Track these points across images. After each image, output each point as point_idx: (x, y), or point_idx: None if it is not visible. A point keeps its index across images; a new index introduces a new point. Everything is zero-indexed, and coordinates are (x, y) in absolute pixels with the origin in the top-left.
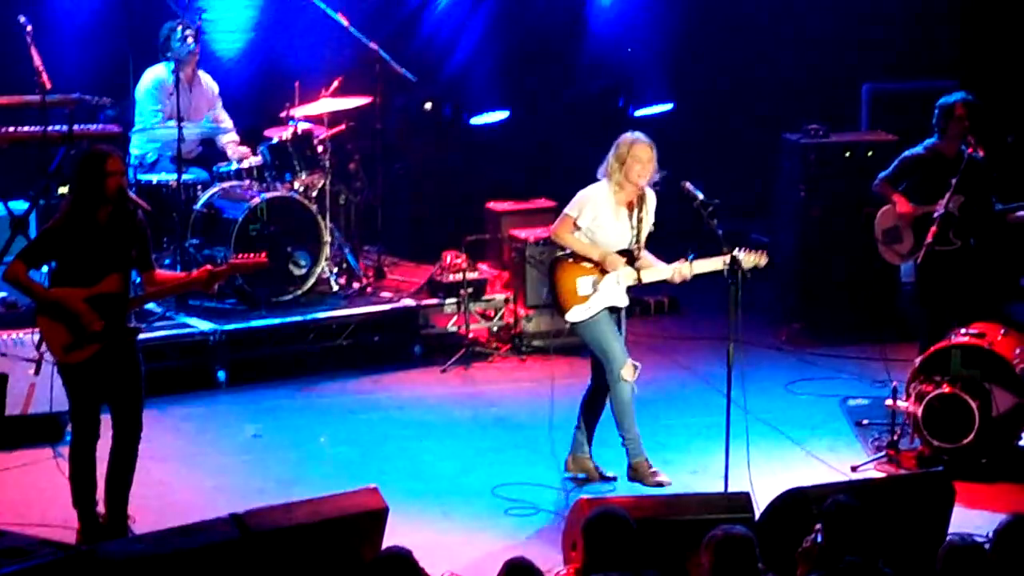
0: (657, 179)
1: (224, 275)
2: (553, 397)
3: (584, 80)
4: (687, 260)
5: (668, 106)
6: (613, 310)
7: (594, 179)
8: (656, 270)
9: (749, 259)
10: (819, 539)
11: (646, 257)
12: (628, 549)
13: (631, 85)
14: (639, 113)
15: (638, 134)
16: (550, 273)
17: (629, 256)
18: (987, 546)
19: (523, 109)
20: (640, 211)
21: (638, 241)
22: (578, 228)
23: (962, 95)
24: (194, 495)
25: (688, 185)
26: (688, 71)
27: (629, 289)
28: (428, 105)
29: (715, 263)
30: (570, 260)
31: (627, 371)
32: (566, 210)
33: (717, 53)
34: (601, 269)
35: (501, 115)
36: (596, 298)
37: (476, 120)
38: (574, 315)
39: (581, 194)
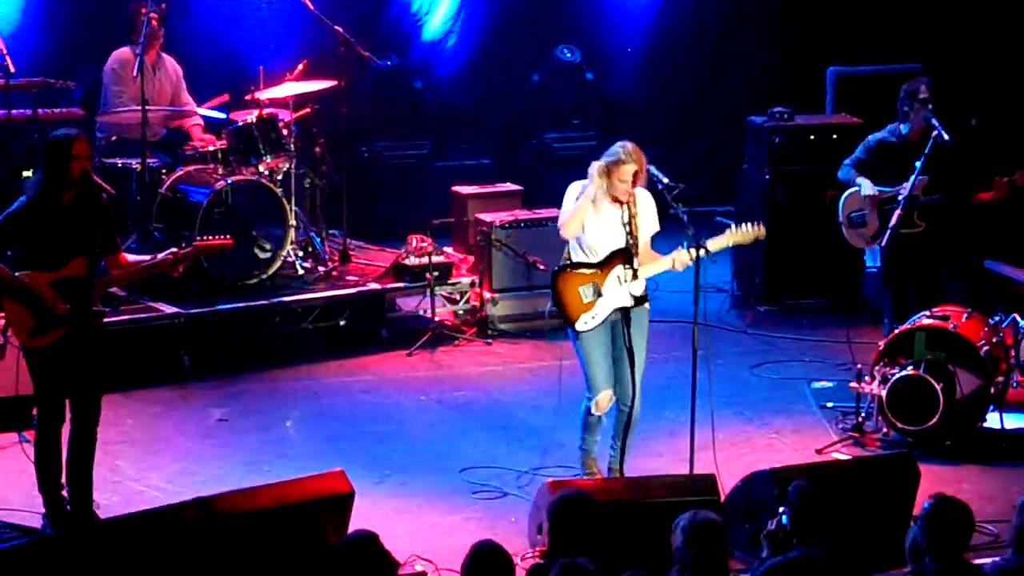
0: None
1: (189, 258)
2: (523, 380)
3: (550, 61)
4: (683, 247)
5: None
6: (622, 311)
7: (563, 163)
8: (656, 263)
9: (748, 234)
10: (784, 521)
11: (645, 253)
12: (593, 532)
13: (599, 67)
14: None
15: (626, 147)
16: (552, 286)
17: (626, 254)
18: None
19: (490, 90)
20: (632, 209)
21: (634, 239)
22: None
23: (926, 78)
24: (159, 479)
25: (652, 169)
26: (654, 54)
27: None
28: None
29: (722, 240)
30: (568, 270)
31: (598, 404)
32: (560, 211)
33: (683, 36)
34: (602, 273)
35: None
36: (602, 302)
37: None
38: (583, 324)
39: (568, 192)
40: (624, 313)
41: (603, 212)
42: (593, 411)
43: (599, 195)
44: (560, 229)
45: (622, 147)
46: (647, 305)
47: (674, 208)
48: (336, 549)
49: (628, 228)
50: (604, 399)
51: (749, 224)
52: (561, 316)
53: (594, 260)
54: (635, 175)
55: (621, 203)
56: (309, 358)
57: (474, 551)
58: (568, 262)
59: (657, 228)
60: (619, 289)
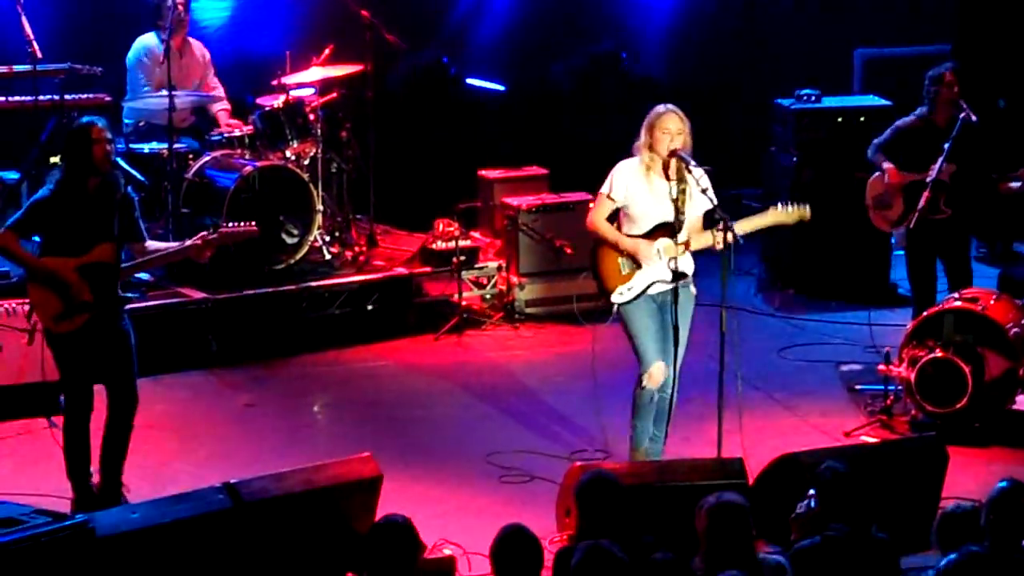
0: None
1: (215, 244)
2: (550, 365)
3: (582, 44)
4: (727, 226)
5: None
6: (672, 293)
7: (592, 146)
8: (697, 239)
9: (791, 214)
10: (812, 505)
11: (694, 230)
12: (620, 513)
13: (632, 48)
14: (637, 76)
15: (669, 106)
16: (592, 256)
17: (671, 229)
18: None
19: (520, 73)
20: (682, 184)
21: (680, 214)
22: (615, 204)
23: (952, 63)
24: (187, 464)
25: (680, 151)
26: (680, 35)
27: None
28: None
29: (757, 221)
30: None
31: (651, 376)
32: (600, 189)
33: (710, 18)
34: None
35: (498, 87)
36: (640, 275)
37: (474, 82)
38: (619, 296)
39: (612, 170)
40: (673, 295)
41: (654, 185)
42: (645, 383)
43: (650, 166)
44: (589, 218)
45: (661, 104)
46: (692, 290)
47: (702, 190)
48: (369, 533)
49: (676, 203)
50: (658, 371)
51: (793, 205)
52: (598, 287)
53: (637, 232)
54: (683, 136)
55: (672, 177)
56: (336, 343)
57: (502, 534)
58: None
59: (714, 203)
60: (658, 263)
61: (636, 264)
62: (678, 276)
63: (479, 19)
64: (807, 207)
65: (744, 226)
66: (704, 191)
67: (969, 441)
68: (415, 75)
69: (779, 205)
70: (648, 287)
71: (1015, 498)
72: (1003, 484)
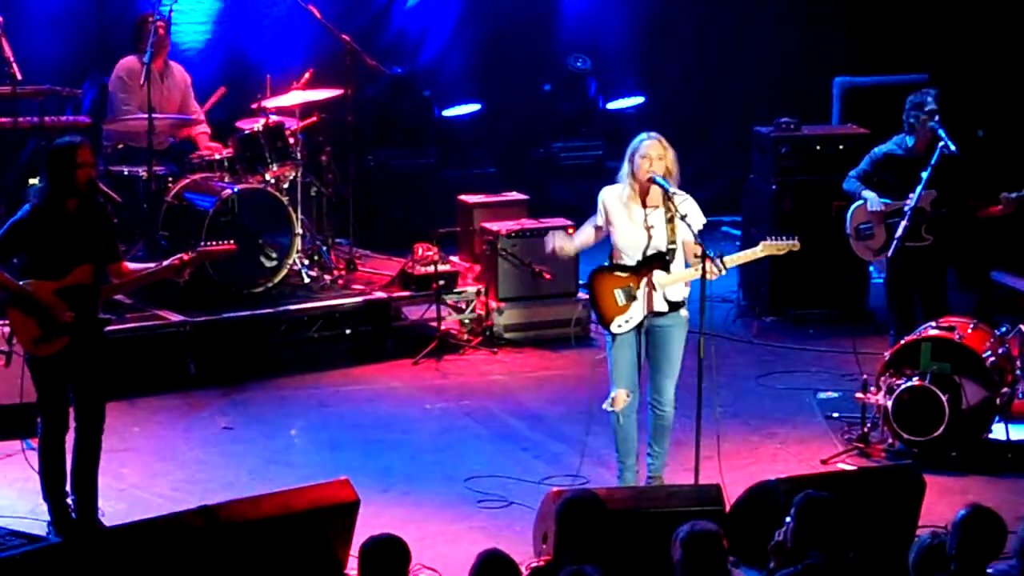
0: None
1: (193, 263)
2: (528, 389)
3: (556, 71)
4: (719, 256)
5: (639, 99)
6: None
7: (568, 172)
8: (688, 271)
9: (782, 247)
10: (790, 532)
11: (690, 254)
12: (601, 534)
13: (603, 77)
14: (611, 106)
15: (651, 133)
16: (589, 286)
17: (662, 259)
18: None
19: (495, 100)
20: (670, 212)
21: (672, 243)
22: (597, 224)
23: (932, 90)
24: (164, 487)
25: (656, 178)
26: (659, 64)
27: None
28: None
29: (749, 254)
30: (605, 271)
31: (614, 400)
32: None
33: (689, 46)
34: (637, 277)
35: (473, 107)
36: (636, 306)
37: (449, 112)
38: (618, 327)
39: (599, 196)
40: (662, 318)
41: (633, 213)
42: (605, 407)
43: (632, 195)
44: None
45: (644, 133)
46: (684, 313)
47: (680, 218)
48: (364, 550)
49: (666, 232)
50: (619, 397)
51: (784, 238)
52: (598, 318)
53: (628, 263)
54: (664, 163)
55: (648, 205)
56: (315, 367)
57: (480, 560)
58: (607, 263)
59: (703, 221)
60: (654, 294)
61: (632, 296)
62: (674, 306)
63: (453, 46)
64: (796, 239)
65: (735, 259)
66: (683, 217)
67: (946, 469)
68: (386, 98)
69: (769, 238)
70: (645, 317)
71: (978, 523)
72: (964, 511)
